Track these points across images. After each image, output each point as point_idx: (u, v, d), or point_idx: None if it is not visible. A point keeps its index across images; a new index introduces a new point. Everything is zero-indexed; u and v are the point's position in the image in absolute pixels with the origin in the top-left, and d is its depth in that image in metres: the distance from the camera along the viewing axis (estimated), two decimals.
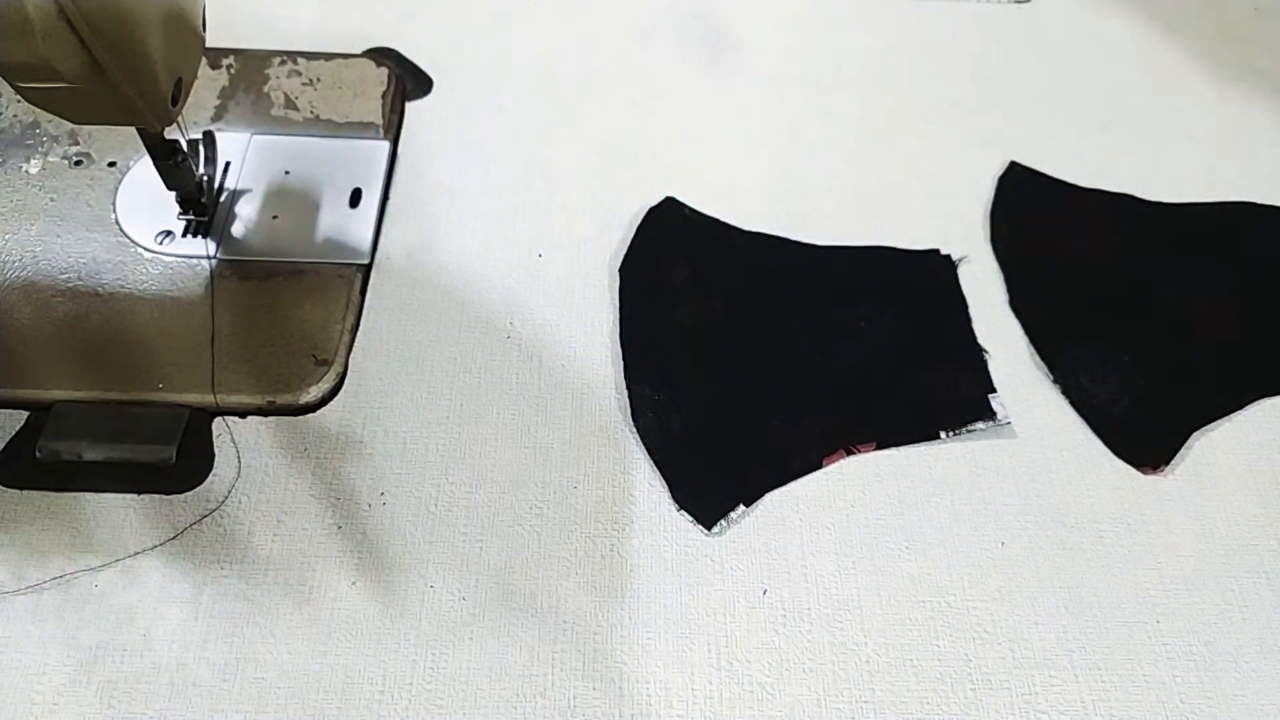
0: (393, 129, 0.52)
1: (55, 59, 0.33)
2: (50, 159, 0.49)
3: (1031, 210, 0.50)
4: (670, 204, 0.49)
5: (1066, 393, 0.44)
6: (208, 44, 0.41)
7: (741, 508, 0.41)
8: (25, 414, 0.42)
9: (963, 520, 0.41)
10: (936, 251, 0.48)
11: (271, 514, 0.40)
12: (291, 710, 0.36)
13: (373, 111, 0.52)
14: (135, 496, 0.40)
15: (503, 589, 0.39)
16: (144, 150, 0.43)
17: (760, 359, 0.44)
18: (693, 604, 0.39)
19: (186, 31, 0.38)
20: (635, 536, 0.40)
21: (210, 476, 0.41)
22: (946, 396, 0.43)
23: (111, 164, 0.49)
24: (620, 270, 0.47)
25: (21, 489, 0.40)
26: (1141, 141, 0.54)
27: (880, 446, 0.42)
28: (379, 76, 0.52)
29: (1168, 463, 0.42)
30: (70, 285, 0.45)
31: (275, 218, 0.48)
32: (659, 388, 0.43)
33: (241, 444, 0.42)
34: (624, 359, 0.44)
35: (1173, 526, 0.41)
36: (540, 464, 0.42)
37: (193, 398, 0.42)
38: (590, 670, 0.37)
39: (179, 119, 0.40)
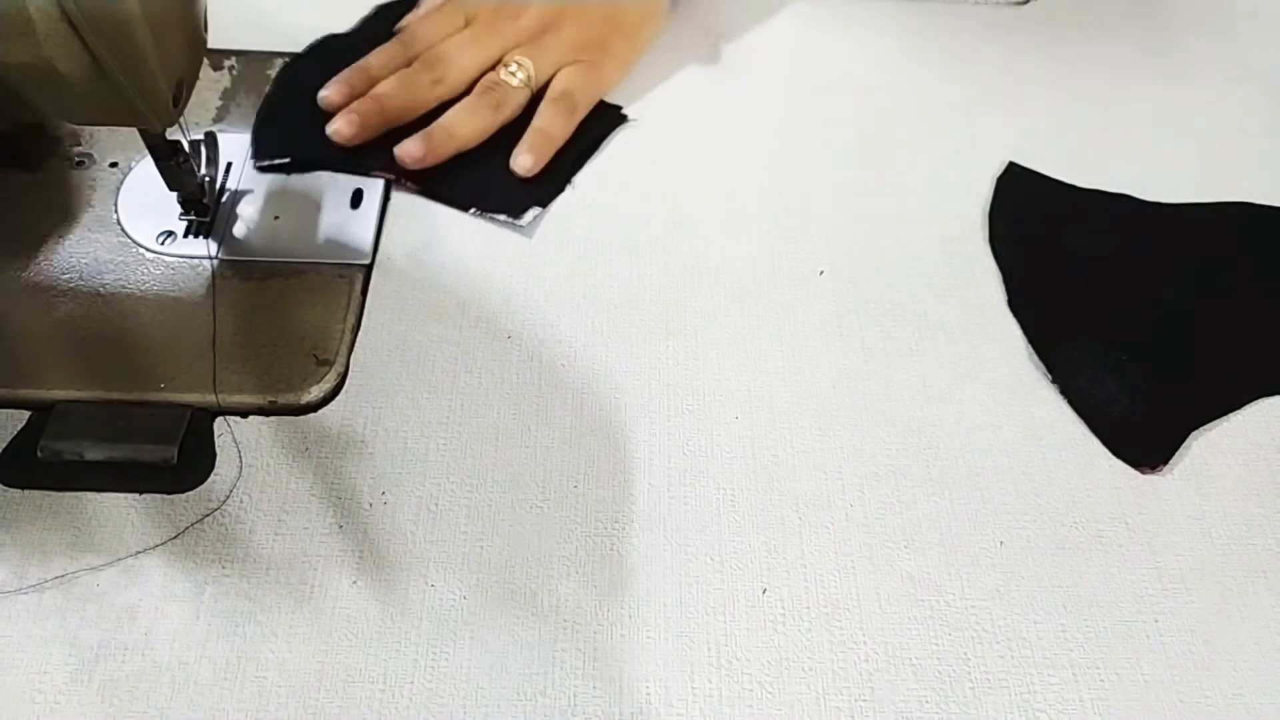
0: None
1: (57, 59, 0.33)
2: (51, 159, 0.49)
3: (1030, 211, 0.51)
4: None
5: (1064, 393, 0.44)
6: (209, 45, 0.41)
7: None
8: (27, 414, 0.42)
9: (961, 520, 0.41)
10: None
11: (273, 513, 0.40)
12: (293, 708, 0.36)
13: None
14: (137, 496, 0.40)
15: (503, 588, 0.39)
16: (146, 151, 0.43)
17: None
18: (693, 603, 0.39)
19: (188, 33, 0.38)
20: (635, 536, 0.40)
21: (212, 476, 0.41)
22: (499, 187, 0.49)
23: (113, 165, 0.49)
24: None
25: (23, 488, 0.40)
26: (1141, 141, 0.54)
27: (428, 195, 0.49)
28: None
29: (1166, 462, 0.43)
30: (72, 285, 0.45)
31: (277, 218, 0.48)
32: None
33: (243, 444, 0.42)
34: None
35: (1171, 526, 0.41)
36: (540, 464, 0.42)
37: (194, 398, 0.42)
38: (590, 669, 0.37)
39: (181, 120, 0.41)
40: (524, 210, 0.48)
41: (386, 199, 0.49)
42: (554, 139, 0.50)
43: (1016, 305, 0.47)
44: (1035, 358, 0.45)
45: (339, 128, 0.48)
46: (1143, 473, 0.42)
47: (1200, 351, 0.46)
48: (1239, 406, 0.44)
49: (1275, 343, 0.46)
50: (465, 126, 0.49)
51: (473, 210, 0.48)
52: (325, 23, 0.56)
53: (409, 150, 0.47)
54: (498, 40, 0.51)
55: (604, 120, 0.53)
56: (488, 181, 0.49)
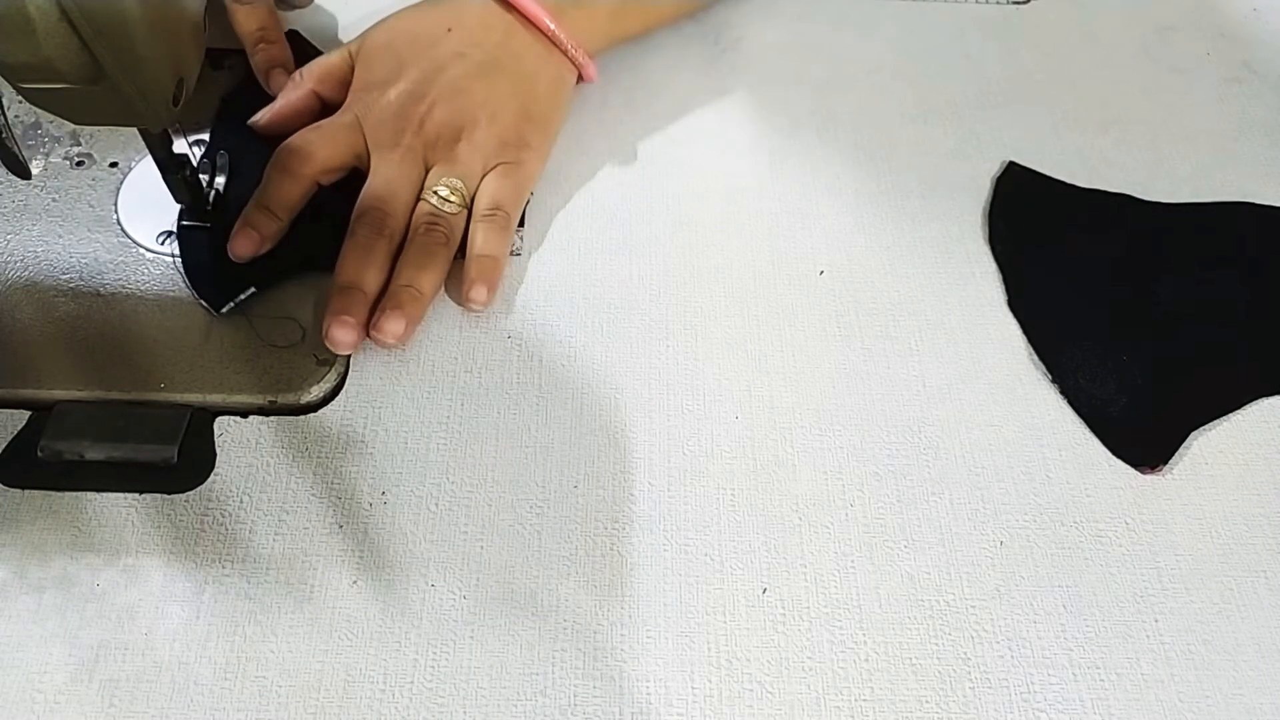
0: None
1: (57, 59, 0.33)
2: (52, 159, 0.49)
3: (1030, 211, 0.51)
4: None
5: (1065, 393, 0.44)
6: (209, 45, 0.41)
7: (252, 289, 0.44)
8: (27, 414, 0.42)
9: (961, 520, 0.41)
10: None
11: (273, 513, 0.40)
12: (293, 708, 0.36)
13: None
14: (137, 496, 0.40)
15: (503, 588, 0.39)
16: (145, 151, 0.43)
17: None
18: (693, 603, 0.39)
19: (188, 32, 0.38)
20: (635, 536, 0.40)
21: (212, 476, 0.41)
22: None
23: (113, 165, 0.49)
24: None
25: (23, 489, 0.40)
26: (1142, 141, 0.54)
27: None
28: None
29: (1166, 462, 0.43)
30: (72, 285, 0.45)
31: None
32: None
33: (243, 443, 0.42)
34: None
35: (1171, 526, 0.41)
36: (540, 464, 0.42)
37: (194, 398, 0.42)
38: (590, 669, 0.37)
39: (184, 132, 0.41)
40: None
41: None
42: (499, 262, 0.46)
43: (1016, 305, 0.47)
44: (1035, 358, 0.45)
45: (237, 247, 0.45)
46: (1143, 473, 0.42)
47: (1200, 351, 0.46)
48: (1239, 406, 0.44)
49: (1275, 343, 0.46)
50: (429, 278, 0.45)
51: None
52: (325, 22, 0.56)
53: (391, 331, 0.43)
54: (413, 160, 0.47)
55: None
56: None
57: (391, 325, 0.43)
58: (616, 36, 0.54)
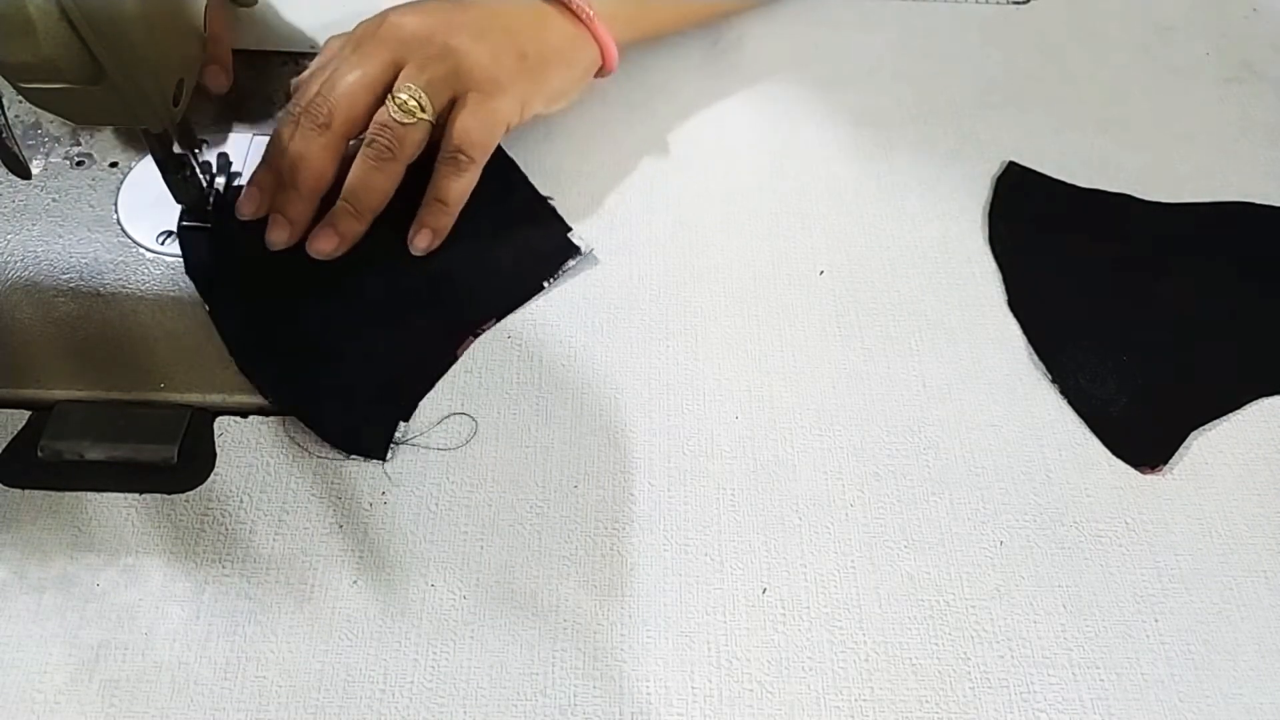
0: None
1: (57, 59, 0.33)
2: (52, 159, 0.49)
3: (1030, 211, 0.51)
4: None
5: (1064, 393, 0.44)
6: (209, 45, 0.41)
7: (402, 424, 0.42)
8: (27, 414, 0.42)
9: (961, 519, 0.41)
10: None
11: (273, 513, 0.40)
12: (293, 708, 0.36)
13: None
14: (137, 496, 0.40)
15: (503, 588, 0.39)
16: (145, 151, 0.43)
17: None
18: (693, 603, 0.39)
19: (188, 32, 0.38)
20: (635, 536, 0.40)
21: (212, 476, 0.41)
22: (531, 253, 0.47)
23: (113, 165, 0.49)
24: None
25: (23, 488, 0.40)
26: (1141, 142, 0.54)
27: (499, 319, 0.45)
28: None
29: (1166, 462, 0.43)
30: (72, 285, 0.45)
31: None
32: None
33: (243, 443, 0.42)
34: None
35: (1171, 526, 0.41)
36: (540, 464, 0.42)
37: (194, 397, 0.42)
38: (590, 669, 0.37)
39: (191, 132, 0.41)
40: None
41: None
42: (449, 210, 0.45)
43: (1016, 305, 0.47)
44: (1035, 358, 0.45)
45: (271, 238, 0.44)
46: (1143, 472, 0.42)
47: (1200, 351, 0.46)
48: (1238, 406, 0.44)
49: (1274, 342, 0.46)
50: (368, 194, 0.43)
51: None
52: (325, 22, 0.56)
53: (319, 248, 0.43)
54: (379, 56, 0.44)
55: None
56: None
57: (321, 244, 0.44)
58: (643, 30, 0.53)
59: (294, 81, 0.49)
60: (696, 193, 0.51)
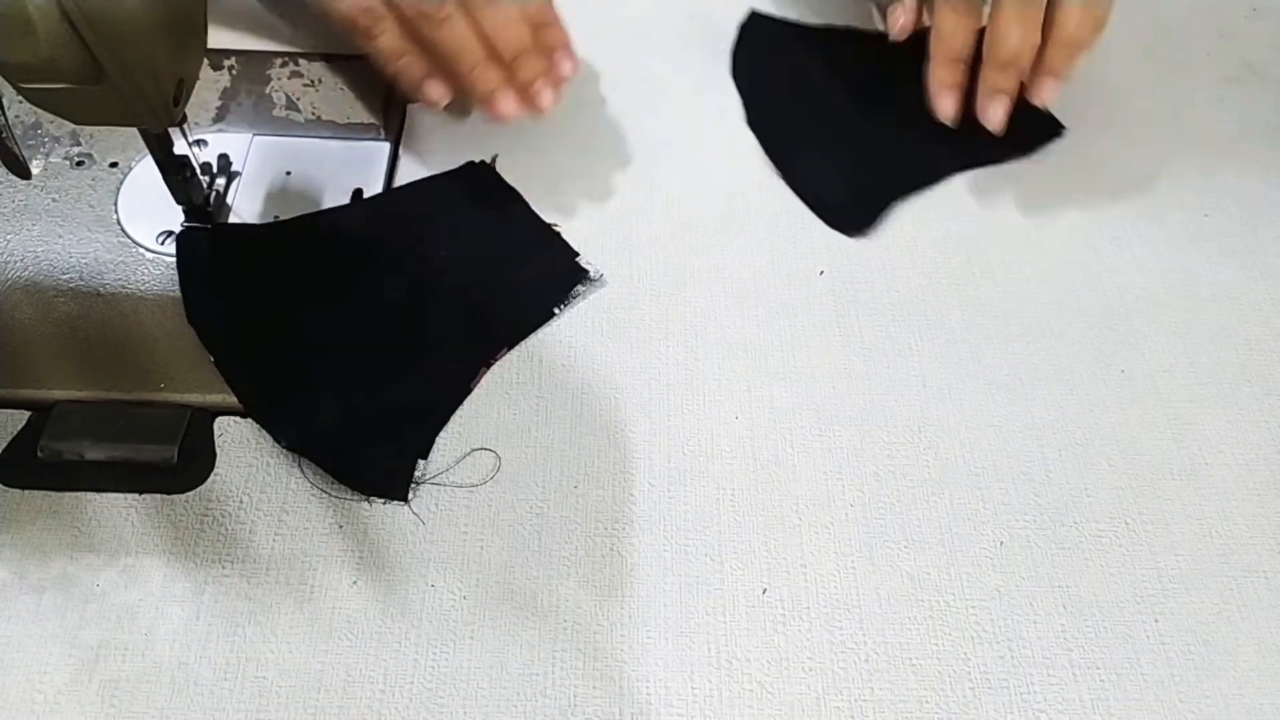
0: (393, 130, 0.52)
1: (57, 59, 0.33)
2: (52, 159, 0.49)
3: (768, 46, 0.56)
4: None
5: (790, 182, 0.51)
6: (209, 45, 0.41)
7: (420, 462, 0.41)
8: (27, 414, 0.42)
9: (961, 520, 0.41)
10: (471, 163, 0.51)
11: (273, 513, 0.40)
12: (293, 708, 0.36)
13: (374, 113, 0.52)
14: (137, 496, 0.40)
15: (503, 588, 0.39)
16: (145, 151, 0.43)
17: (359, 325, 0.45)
18: (693, 603, 0.39)
19: (188, 32, 0.38)
20: (635, 536, 0.40)
21: (212, 476, 0.41)
22: (541, 280, 0.47)
23: (113, 165, 0.49)
24: None
25: (23, 489, 0.40)
26: (1141, 142, 0.54)
27: (511, 347, 0.45)
28: (380, 78, 0.52)
29: (870, 226, 0.49)
30: (72, 285, 0.45)
31: (276, 218, 0.48)
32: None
33: (243, 443, 0.42)
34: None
35: (1171, 526, 0.41)
36: (540, 464, 0.42)
37: (194, 397, 0.42)
38: (590, 669, 0.37)
39: (186, 131, 0.41)
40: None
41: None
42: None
43: (754, 122, 0.53)
44: (772, 165, 0.51)
45: (428, 96, 0.48)
46: (852, 236, 0.49)
47: (914, 139, 0.52)
48: (936, 181, 0.51)
49: (967, 128, 0.50)
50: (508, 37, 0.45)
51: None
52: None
53: (505, 109, 0.46)
54: None
55: None
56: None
57: (505, 105, 0.46)
58: None
59: None
60: (696, 193, 0.51)
